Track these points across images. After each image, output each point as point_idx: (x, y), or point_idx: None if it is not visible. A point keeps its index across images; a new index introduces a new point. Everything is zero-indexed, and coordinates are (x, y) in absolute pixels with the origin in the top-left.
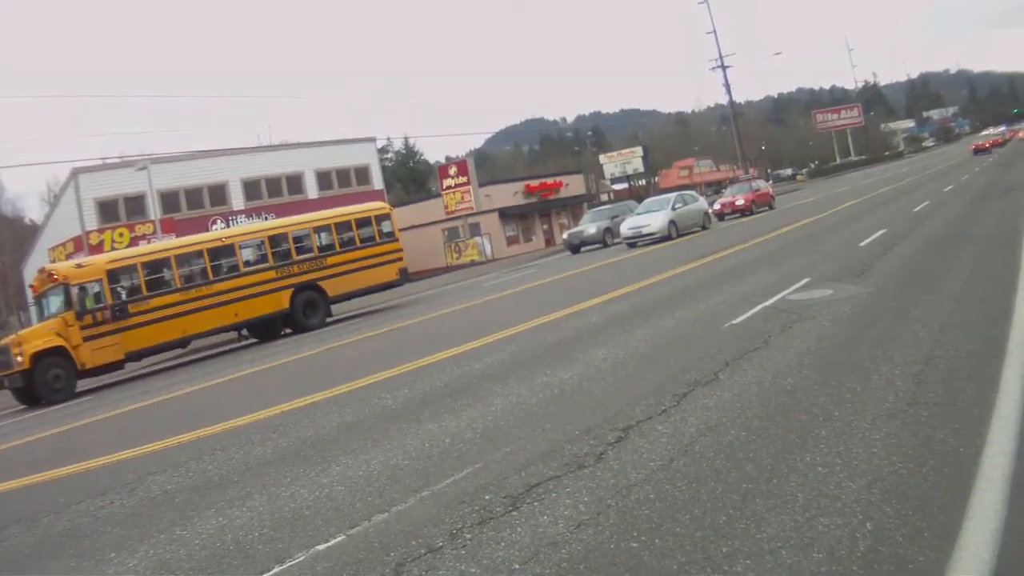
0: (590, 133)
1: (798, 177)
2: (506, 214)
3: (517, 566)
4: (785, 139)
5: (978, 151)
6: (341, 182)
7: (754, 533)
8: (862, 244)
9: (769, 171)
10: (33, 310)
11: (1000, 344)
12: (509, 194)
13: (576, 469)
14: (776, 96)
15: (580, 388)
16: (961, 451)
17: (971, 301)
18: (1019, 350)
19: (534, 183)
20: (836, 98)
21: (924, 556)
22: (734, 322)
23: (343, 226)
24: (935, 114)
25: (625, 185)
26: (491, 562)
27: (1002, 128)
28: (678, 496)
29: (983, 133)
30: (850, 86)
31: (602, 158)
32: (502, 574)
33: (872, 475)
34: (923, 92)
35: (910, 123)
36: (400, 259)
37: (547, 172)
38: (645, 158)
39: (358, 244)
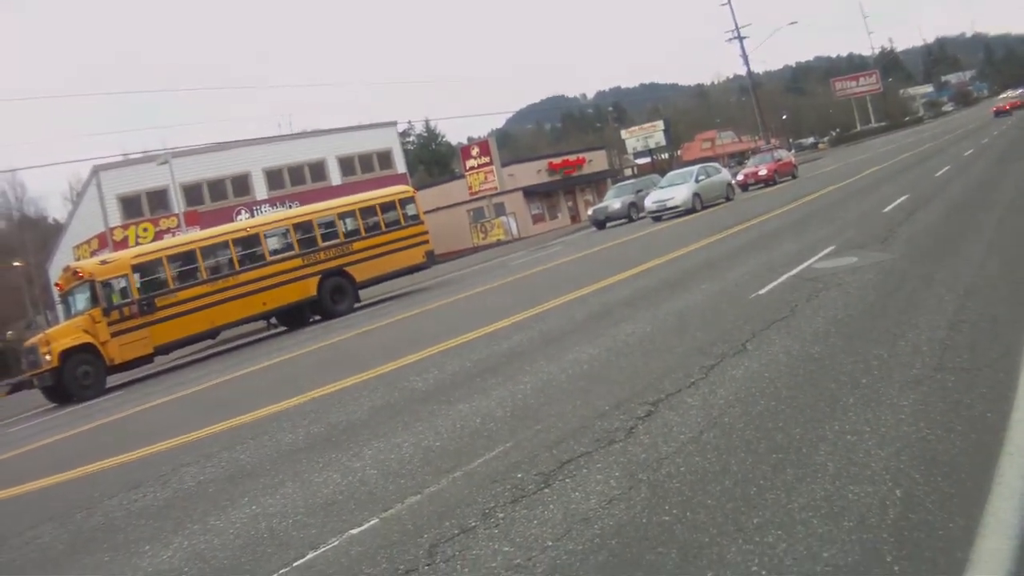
0: (611, 109)
1: (820, 145)
2: (530, 192)
3: (550, 543)
4: (805, 108)
5: (999, 113)
6: (364, 167)
7: (785, 503)
8: (885, 210)
9: (791, 140)
10: (60, 308)
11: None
12: (532, 172)
13: (607, 444)
14: (794, 65)
15: (609, 363)
16: (988, 416)
17: (994, 265)
18: None
19: (557, 160)
20: (854, 65)
21: (953, 523)
22: (760, 292)
23: (368, 211)
24: (953, 78)
25: (648, 159)
26: (524, 540)
27: (1021, 90)
28: (709, 468)
29: (1002, 96)
30: (867, 53)
31: (624, 133)
32: (535, 552)
33: (901, 442)
34: (940, 56)
35: (928, 88)
36: (426, 241)
37: (569, 149)
38: (667, 132)
39: (383, 228)
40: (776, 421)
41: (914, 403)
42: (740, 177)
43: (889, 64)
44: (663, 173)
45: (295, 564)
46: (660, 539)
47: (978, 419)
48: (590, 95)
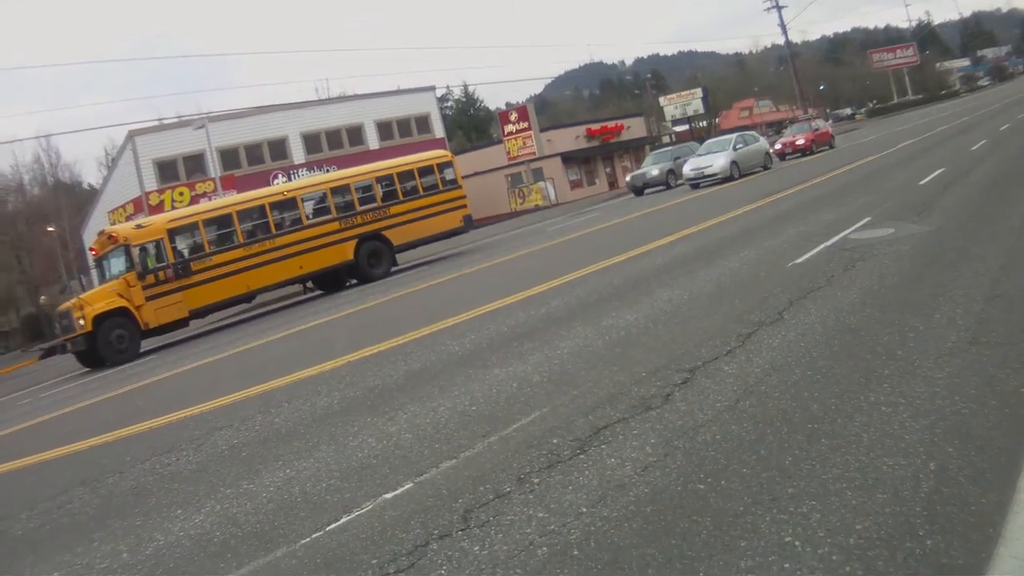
0: (649, 76)
1: (857, 116)
2: (568, 158)
3: (584, 509)
4: (842, 79)
5: None
6: (402, 132)
7: (820, 474)
8: (922, 183)
9: (828, 111)
10: (94, 273)
11: None
12: (571, 138)
13: (643, 411)
14: (831, 36)
15: (646, 330)
16: (1022, 392)
17: None
18: None
19: (595, 127)
20: (891, 38)
21: (986, 498)
22: (797, 261)
23: (405, 175)
24: (989, 53)
25: (686, 127)
26: (559, 506)
27: None
28: (744, 437)
29: None
30: (904, 25)
31: (662, 100)
32: (569, 518)
33: (935, 415)
34: (976, 31)
35: (965, 62)
36: (464, 206)
37: (608, 116)
38: (705, 99)
39: (421, 192)
40: (812, 391)
41: (949, 376)
42: (778, 146)
43: (926, 37)
44: (701, 141)
45: (328, 528)
46: (694, 507)
47: (1012, 394)
48: (628, 62)
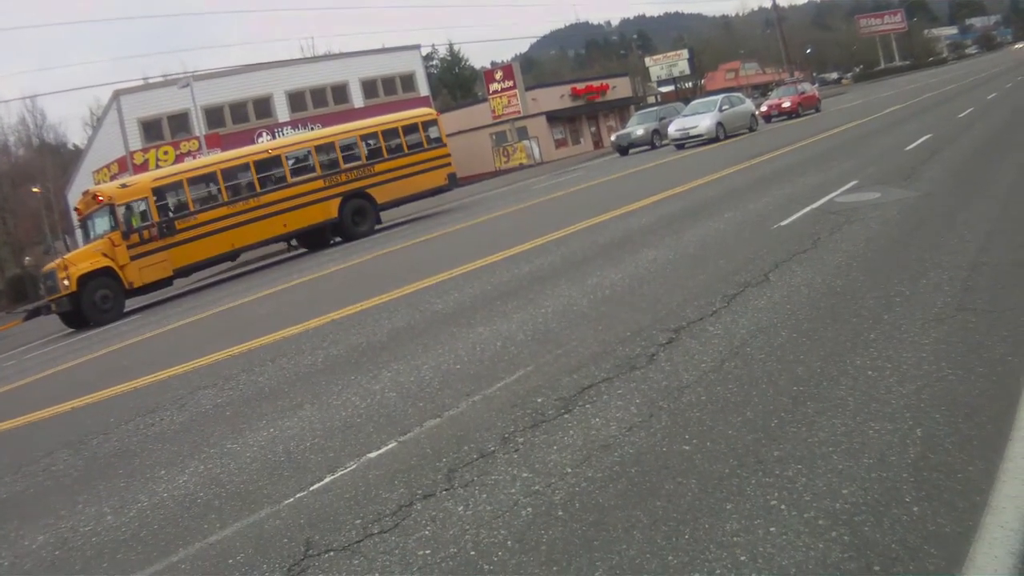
0: (635, 36)
1: (843, 81)
2: (554, 117)
3: (569, 470)
4: (829, 43)
5: None
6: (387, 90)
7: (805, 437)
8: (908, 148)
9: (814, 74)
10: (79, 233)
11: None
12: (556, 97)
13: (628, 371)
14: (819, 1)
15: (631, 289)
16: (1009, 360)
17: (1017, 208)
18: None
19: (580, 86)
20: (878, 4)
21: (973, 465)
22: (783, 223)
23: (390, 133)
24: (977, 22)
25: (671, 88)
26: (543, 466)
27: None
28: (730, 398)
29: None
30: None
31: (648, 61)
32: (554, 478)
33: (922, 380)
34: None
35: (953, 30)
36: (448, 164)
37: (593, 76)
38: (691, 61)
39: (406, 151)
40: (797, 354)
41: (935, 342)
42: (764, 108)
43: (914, 4)
44: (686, 102)
45: (312, 488)
46: (679, 468)
47: (998, 362)
48: (615, 22)
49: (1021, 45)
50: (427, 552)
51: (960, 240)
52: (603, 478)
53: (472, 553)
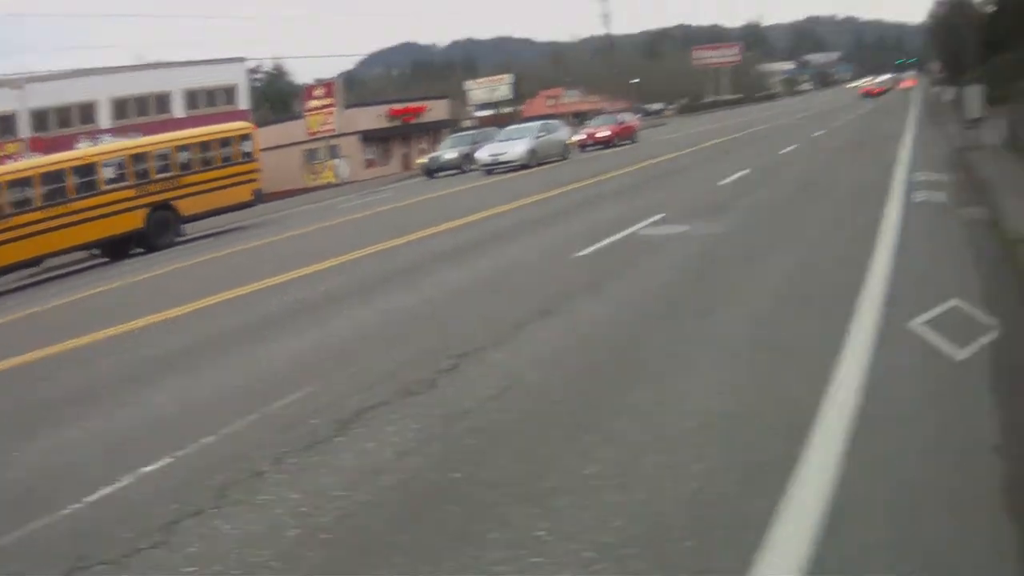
0: (461, 59)
1: (666, 112)
2: (368, 137)
3: (338, 493)
4: (659, 73)
5: (865, 95)
6: (209, 102)
7: (579, 469)
8: (722, 183)
9: (638, 105)
10: None
11: (851, 293)
12: (373, 117)
13: (407, 396)
14: (654, 31)
15: (421, 313)
16: (799, 398)
17: (827, 248)
18: (871, 303)
19: (398, 107)
20: (716, 36)
21: (754, 503)
22: (583, 253)
23: (204, 146)
24: (815, 58)
25: (490, 112)
26: (313, 488)
27: (884, 76)
28: (505, 428)
29: (863, 80)
30: (732, 25)
31: (470, 84)
32: (323, 500)
33: (704, 416)
34: (807, 35)
35: (790, 65)
36: (255, 180)
37: (415, 97)
38: (513, 85)
39: (219, 163)
40: (579, 385)
41: (724, 378)
42: (580, 137)
43: (754, 38)
44: (503, 127)
45: (86, 500)
46: (448, 496)
47: (789, 400)
48: (443, 44)
49: (859, 83)
50: (193, 569)
51: (763, 277)
52: (372, 502)
53: (236, 572)
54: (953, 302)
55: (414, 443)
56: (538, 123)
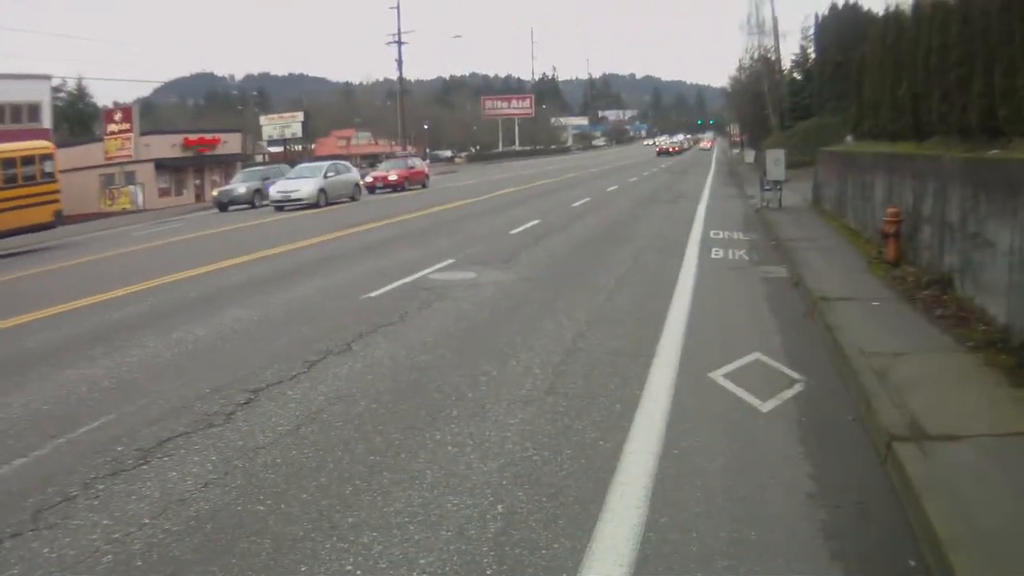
0: (255, 93)
1: (456, 159)
2: (162, 165)
3: (147, 520)
4: (450, 121)
5: (662, 153)
6: (14, 118)
7: (381, 506)
8: (513, 232)
9: (428, 150)
10: None
11: (650, 344)
12: (168, 146)
13: (206, 427)
14: (448, 78)
15: (214, 346)
16: (601, 444)
17: (623, 300)
18: (668, 351)
19: (193, 137)
20: (511, 87)
21: (559, 543)
22: (372, 295)
23: (5, 163)
24: (611, 114)
25: (281, 148)
26: (123, 514)
27: (679, 137)
28: (305, 463)
29: (659, 138)
30: (527, 77)
31: (262, 119)
32: (133, 528)
33: (504, 459)
34: (603, 91)
35: (583, 120)
36: (56, 201)
37: (208, 127)
38: (305, 124)
39: (20, 182)
40: (376, 424)
41: (521, 423)
42: (369, 179)
43: (548, 91)
44: (293, 164)
45: None
46: (254, 528)
47: (589, 445)
48: (239, 76)
49: (656, 140)
50: None
51: (556, 326)
52: (180, 531)
53: None
54: (755, 355)
55: (215, 474)
56: (327, 163)
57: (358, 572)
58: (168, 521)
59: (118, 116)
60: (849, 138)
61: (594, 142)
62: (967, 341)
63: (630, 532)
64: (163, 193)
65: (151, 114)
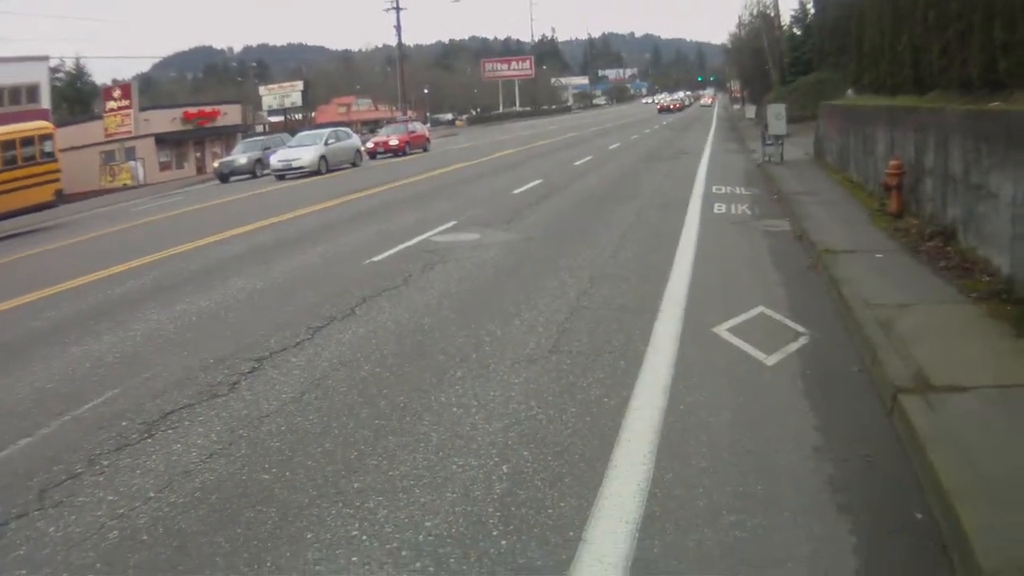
0: (254, 64)
1: (457, 122)
2: (162, 140)
3: (152, 494)
4: (450, 85)
5: (663, 110)
6: (12, 100)
7: (386, 470)
8: (516, 192)
9: (428, 115)
10: None
11: (654, 300)
12: (167, 120)
13: (210, 398)
14: (447, 42)
15: (218, 317)
16: (606, 401)
17: (626, 256)
18: (672, 307)
19: (193, 111)
20: (510, 49)
21: (565, 502)
22: (375, 259)
23: (5, 145)
24: (611, 73)
25: (282, 118)
26: (128, 489)
27: (680, 94)
28: (310, 429)
29: (659, 96)
30: (527, 39)
31: (262, 90)
32: (138, 502)
33: (509, 419)
34: (603, 51)
35: (583, 80)
36: (57, 180)
37: (208, 100)
38: (305, 92)
39: (20, 163)
40: (381, 388)
41: (526, 382)
42: (370, 145)
43: (547, 52)
44: (294, 133)
45: None
46: (259, 497)
47: (594, 403)
48: (237, 48)
49: (656, 98)
50: (23, 572)
51: (560, 284)
52: (185, 503)
53: (64, 575)
54: (759, 309)
55: (220, 445)
56: (327, 130)
57: (364, 537)
58: (173, 494)
59: (117, 93)
60: (850, 92)
61: (594, 101)
62: (971, 292)
63: (636, 489)
64: (164, 167)
65: (151, 90)
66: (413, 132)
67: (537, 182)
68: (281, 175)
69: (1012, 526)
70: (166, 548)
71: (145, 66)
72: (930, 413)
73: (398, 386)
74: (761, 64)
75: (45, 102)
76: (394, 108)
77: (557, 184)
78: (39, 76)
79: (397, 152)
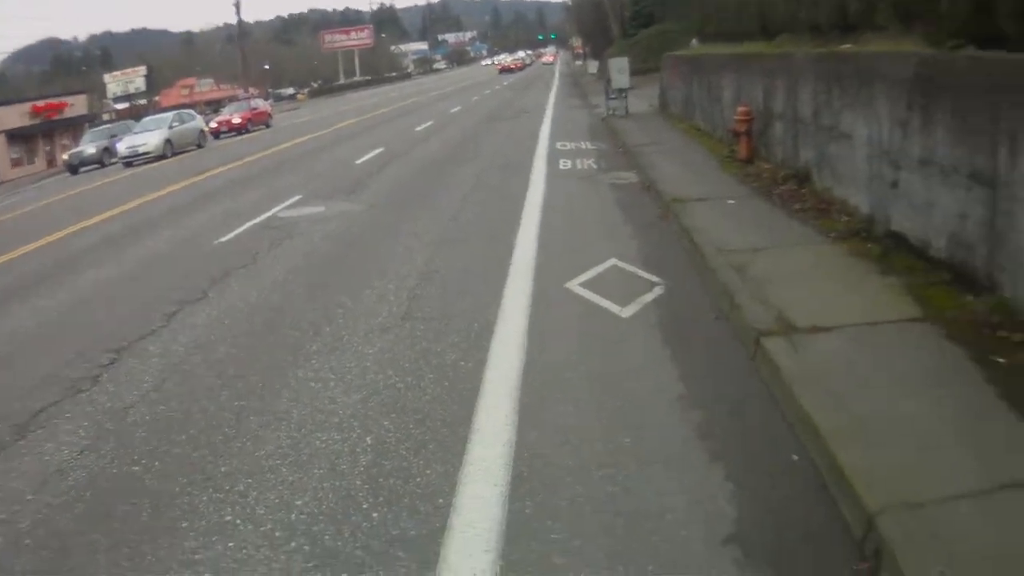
0: (99, 53)
1: (299, 96)
2: (12, 136)
3: (30, 496)
4: (290, 59)
5: (504, 71)
6: None
7: (252, 451)
8: (358, 162)
9: (270, 90)
10: None
11: (502, 260)
12: (16, 116)
13: (74, 394)
14: (287, 16)
15: (74, 310)
16: (462, 365)
17: (469, 219)
18: (522, 265)
19: (40, 104)
20: (349, 19)
21: (431, 469)
22: (223, 239)
23: None
24: (451, 37)
25: (127, 105)
26: (5, 494)
27: (521, 54)
28: (173, 417)
29: (499, 56)
30: (365, 8)
31: (107, 78)
32: (17, 506)
33: (368, 389)
34: (442, 16)
35: (423, 45)
36: None
37: (55, 92)
38: (148, 77)
39: None
40: (237, 368)
41: (380, 351)
42: (213, 125)
43: (386, 20)
44: (139, 119)
45: None
46: (132, 490)
47: (450, 367)
48: (83, 37)
49: (496, 60)
50: None
51: (407, 251)
52: (62, 503)
53: None
54: (611, 262)
55: (88, 440)
56: (170, 114)
57: (238, 521)
58: (49, 494)
59: None
60: (694, 42)
61: (435, 66)
62: (830, 232)
63: (502, 451)
64: (15, 164)
65: (3, 86)
66: (255, 109)
67: (379, 151)
68: (129, 162)
69: (890, 463)
70: (49, 550)
71: None
72: (795, 355)
73: (255, 365)
74: (602, 19)
75: None
76: (236, 86)
77: (398, 151)
78: None
79: (240, 130)
